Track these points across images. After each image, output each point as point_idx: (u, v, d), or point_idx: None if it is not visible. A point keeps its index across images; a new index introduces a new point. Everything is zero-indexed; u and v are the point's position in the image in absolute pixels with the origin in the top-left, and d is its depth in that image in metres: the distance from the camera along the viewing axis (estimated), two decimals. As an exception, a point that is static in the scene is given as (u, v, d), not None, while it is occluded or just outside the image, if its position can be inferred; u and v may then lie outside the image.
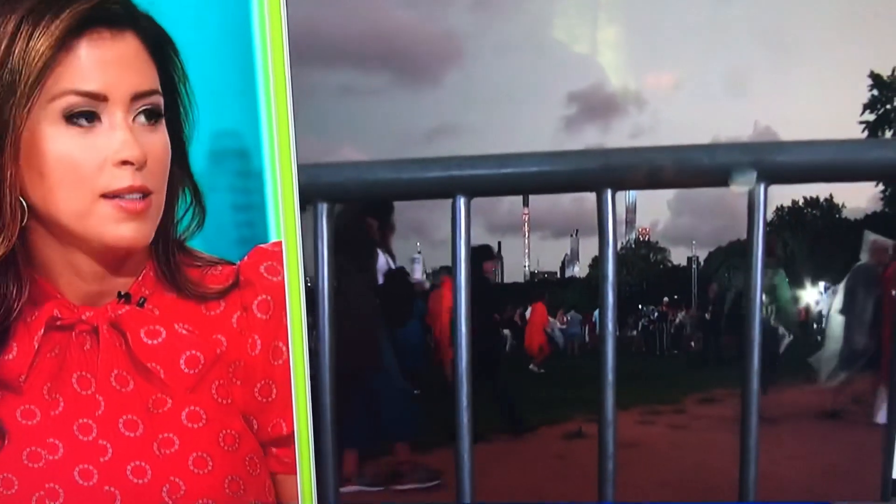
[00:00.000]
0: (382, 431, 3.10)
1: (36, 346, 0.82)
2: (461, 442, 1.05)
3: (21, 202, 0.77)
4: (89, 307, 0.84)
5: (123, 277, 0.84)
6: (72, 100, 0.75)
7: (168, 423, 0.84)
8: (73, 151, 0.76)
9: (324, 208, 1.04)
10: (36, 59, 0.73)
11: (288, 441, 0.88)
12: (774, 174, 1.00)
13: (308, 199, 1.02)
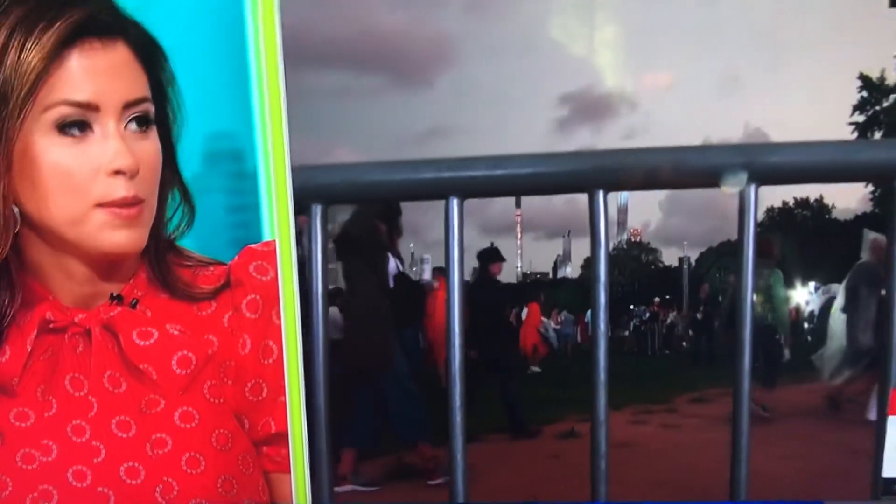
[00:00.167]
0: (395, 432, 3.12)
1: (29, 349, 0.82)
2: (454, 442, 1.05)
3: (14, 211, 0.77)
4: (82, 309, 0.84)
5: (116, 279, 0.85)
6: (64, 110, 0.76)
7: (161, 423, 0.84)
8: (66, 161, 0.76)
9: (318, 210, 1.04)
10: (28, 72, 0.74)
11: (279, 440, 0.89)
12: (765, 175, 1.01)
13: (302, 200, 1.02)
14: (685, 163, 1.02)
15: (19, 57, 0.74)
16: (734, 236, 1.02)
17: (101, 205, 0.77)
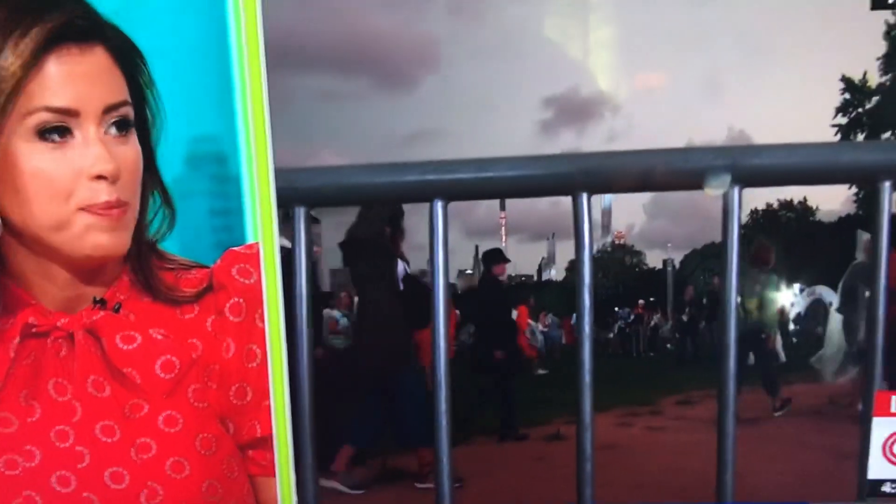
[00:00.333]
0: (398, 434, 3.13)
1: (12, 355, 0.82)
2: (440, 445, 1.06)
3: None
4: (64, 313, 0.83)
5: (99, 283, 0.84)
6: (44, 116, 0.75)
7: (145, 428, 0.83)
8: (47, 167, 0.76)
9: (301, 212, 1.04)
10: (7, 79, 0.73)
11: (264, 443, 0.88)
12: (749, 177, 1.01)
13: (286, 203, 1.02)
14: (669, 165, 1.03)
15: None
16: (718, 238, 1.03)
17: (83, 208, 0.77)
